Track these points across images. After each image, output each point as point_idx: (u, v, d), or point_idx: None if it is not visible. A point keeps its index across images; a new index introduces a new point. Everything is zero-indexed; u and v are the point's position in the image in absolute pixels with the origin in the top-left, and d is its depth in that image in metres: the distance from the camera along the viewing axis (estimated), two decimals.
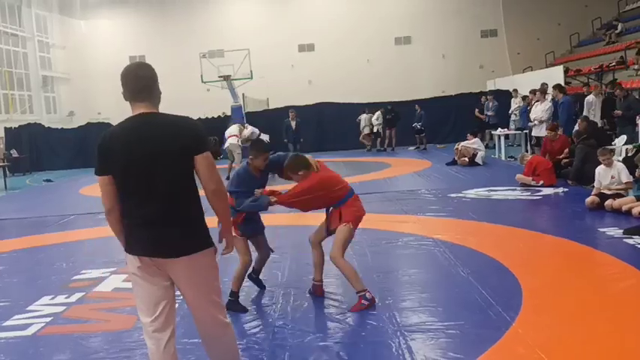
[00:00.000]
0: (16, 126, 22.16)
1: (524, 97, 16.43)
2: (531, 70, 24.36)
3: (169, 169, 2.92)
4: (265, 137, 14.17)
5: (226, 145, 14.48)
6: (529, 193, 9.84)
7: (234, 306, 4.83)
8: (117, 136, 2.96)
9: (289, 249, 6.81)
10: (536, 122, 13.12)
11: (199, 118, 18.84)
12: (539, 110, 13.12)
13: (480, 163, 14.29)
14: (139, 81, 2.98)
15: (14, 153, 21.00)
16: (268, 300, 5.16)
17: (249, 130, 14.75)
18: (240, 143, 14.29)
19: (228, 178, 14.32)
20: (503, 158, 15.38)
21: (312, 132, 20.26)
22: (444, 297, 5.08)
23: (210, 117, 21.72)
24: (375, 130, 20.04)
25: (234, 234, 4.27)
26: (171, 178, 2.93)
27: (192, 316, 3.15)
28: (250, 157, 4.94)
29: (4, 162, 19.17)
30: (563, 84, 15.29)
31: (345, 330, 4.41)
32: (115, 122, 3.22)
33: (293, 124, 17.25)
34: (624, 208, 7.66)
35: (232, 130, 14.71)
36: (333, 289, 5.23)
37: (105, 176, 2.96)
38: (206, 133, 3.11)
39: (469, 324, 4.34)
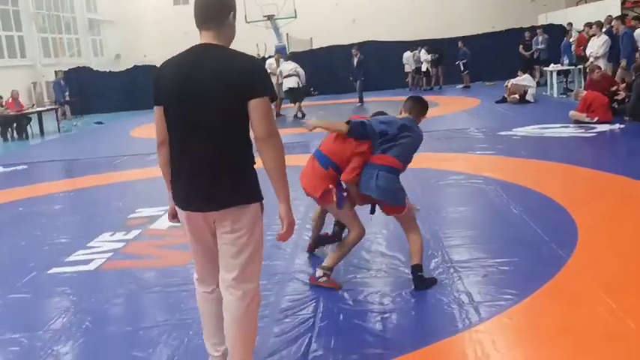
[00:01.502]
0: (66, 69, 22.51)
1: (579, 32, 15.79)
2: (585, 3, 23.33)
3: (216, 110, 2.61)
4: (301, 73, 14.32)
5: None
6: (583, 130, 9.57)
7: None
8: (169, 65, 2.74)
9: None
10: (592, 58, 12.64)
11: None
12: (595, 45, 12.63)
13: (531, 100, 13.94)
14: (206, 8, 2.70)
15: (65, 96, 21.41)
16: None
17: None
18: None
19: (278, 115, 14.54)
20: (555, 95, 14.96)
21: None
22: (496, 234, 5.04)
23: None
24: (423, 68, 19.69)
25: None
26: (216, 121, 2.61)
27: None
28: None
29: (55, 105, 19.59)
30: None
31: (400, 267, 4.44)
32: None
33: (355, 60, 17.09)
34: None
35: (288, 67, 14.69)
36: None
37: (157, 107, 2.75)
38: (266, 75, 2.73)
39: (523, 261, 4.32)
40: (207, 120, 2.61)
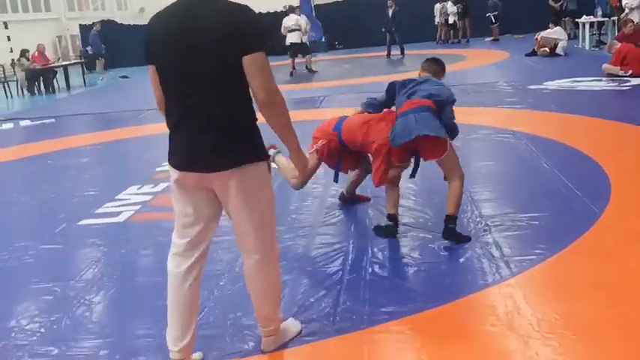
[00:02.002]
0: (90, 23, 22.45)
1: None
2: None
3: (213, 64, 2.40)
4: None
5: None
6: (616, 84, 9.32)
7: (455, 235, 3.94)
8: (161, 19, 2.53)
9: None
10: (627, 9, 12.23)
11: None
12: None
13: (562, 53, 13.60)
14: None
15: (90, 50, 21.42)
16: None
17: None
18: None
19: (291, 75, 14.33)
20: (587, 48, 14.56)
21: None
22: (526, 188, 4.96)
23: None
24: (450, 21, 19.28)
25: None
26: (214, 76, 2.42)
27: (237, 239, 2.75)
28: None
29: (80, 59, 19.61)
30: None
31: (429, 223, 4.40)
32: None
33: (390, 12, 16.78)
34: None
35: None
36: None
37: (150, 65, 2.57)
38: (261, 28, 2.48)
39: (554, 215, 4.25)
40: (205, 74, 2.42)
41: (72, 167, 7.14)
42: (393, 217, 4.16)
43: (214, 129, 2.46)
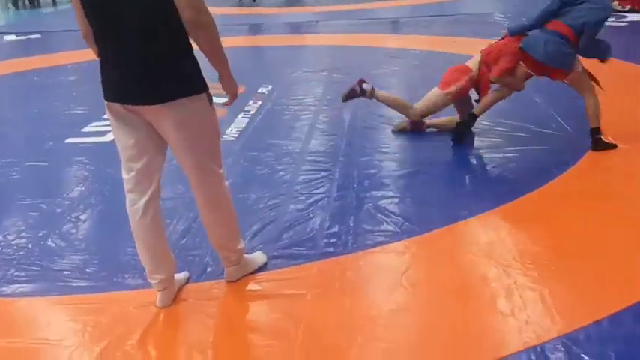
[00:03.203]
0: None
1: None
2: None
3: None
4: None
5: None
6: (613, 19, 9.17)
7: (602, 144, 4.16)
8: None
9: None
10: None
11: None
12: None
13: None
14: None
15: None
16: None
17: None
18: None
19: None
20: None
21: None
22: (520, 121, 4.93)
23: None
24: None
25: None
26: (138, 8, 2.25)
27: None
28: None
29: None
30: None
31: (414, 151, 4.42)
32: None
33: None
34: None
35: None
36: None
37: None
38: None
39: (547, 148, 4.32)
40: (132, 3, 2.24)
41: (59, 85, 7.03)
42: (474, 116, 4.41)
43: (144, 61, 2.32)
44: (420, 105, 4.58)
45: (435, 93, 4.52)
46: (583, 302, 2.56)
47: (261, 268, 2.95)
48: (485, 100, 4.43)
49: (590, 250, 2.96)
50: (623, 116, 4.82)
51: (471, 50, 7.37)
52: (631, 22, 8.97)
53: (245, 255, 2.89)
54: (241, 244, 2.85)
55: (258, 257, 3.00)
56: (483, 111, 4.44)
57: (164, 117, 2.40)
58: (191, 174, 2.58)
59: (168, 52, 2.33)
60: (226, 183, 2.72)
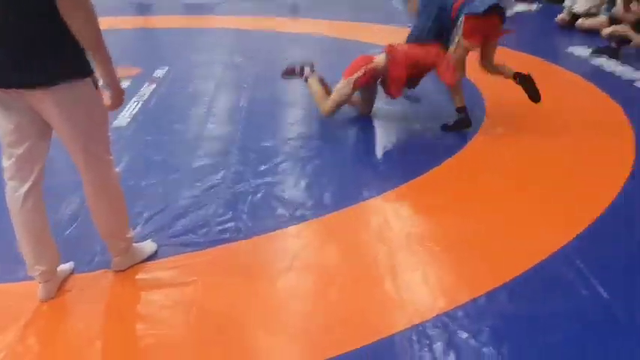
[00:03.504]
0: None
1: None
2: None
3: None
4: None
5: None
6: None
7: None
8: None
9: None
10: None
11: None
12: None
13: None
14: None
15: None
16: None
17: None
18: None
19: None
20: None
21: None
22: (408, 109, 5.08)
23: None
24: None
25: None
26: None
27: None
28: None
29: None
30: None
31: (309, 139, 4.48)
32: None
33: None
34: (595, 28, 7.61)
35: None
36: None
37: None
38: None
39: (437, 134, 4.49)
40: None
41: None
42: (463, 109, 4.44)
43: (19, 43, 2.21)
44: (330, 99, 4.59)
45: (341, 82, 4.56)
46: (462, 281, 2.71)
47: (152, 257, 2.91)
48: (454, 89, 4.50)
49: (470, 232, 3.12)
50: (511, 97, 5.07)
51: (374, 37, 7.56)
52: (517, 13, 9.40)
53: (134, 244, 2.84)
54: (130, 233, 2.80)
55: (148, 246, 2.95)
56: (461, 100, 4.49)
57: (47, 102, 2.30)
58: (78, 160, 2.50)
59: (46, 35, 2.21)
60: (116, 169, 2.65)
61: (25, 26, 2.19)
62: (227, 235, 3.10)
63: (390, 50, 4.54)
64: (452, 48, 4.49)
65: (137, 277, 2.77)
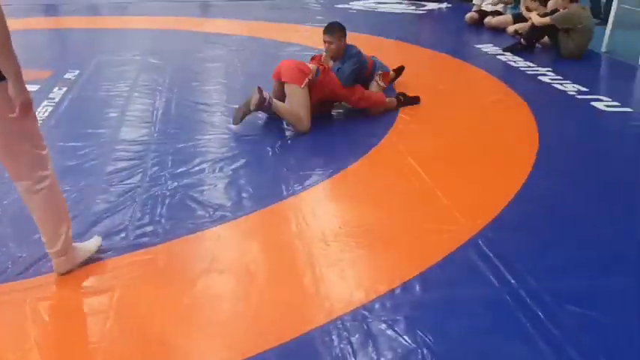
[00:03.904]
0: None
1: None
2: None
3: None
4: None
5: None
6: (414, 8, 9.91)
7: None
8: None
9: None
10: None
11: None
12: None
13: None
14: None
15: None
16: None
17: None
18: None
19: None
20: None
21: None
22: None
23: None
24: None
25: None
26: None
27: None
28: None
29: None
30: None
31: (229, 136, 4.47)
32: None
33: None
34: (502, 26, 7.96)
35: None
36: None
37: None
38: None
39: (353, 131, 4.56)
40: None
41: None
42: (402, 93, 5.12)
43: None
44: (302, 116, 4.49)
45: (297, 93, 4.47)
46: (379, 274, 2.79)
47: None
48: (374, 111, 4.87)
49: (385, 226, 3.22)
50: (425, 89, 5.24)
51: (288, 36, 7.61)
52: (429, 10, 9.72)
53: (75, 244, 2.78)
54: (70, 233, 2.75)
55: (89, 244, 2.90)
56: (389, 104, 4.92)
57: None
58: (9, 168, 2.48)
59: None
60: (50, 172, 2.60)
61: None
62: (145, 240, 3.06)
63: (322, 67, 4.62)
64: (372, 89, 5.15)
65: (53, 283, 2.70)
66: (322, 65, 4.64)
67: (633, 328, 2.44)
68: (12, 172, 2.51)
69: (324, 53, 4.84)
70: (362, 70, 5.03)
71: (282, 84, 4.63)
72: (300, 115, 4.47)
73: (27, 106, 2.35)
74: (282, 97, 4.67)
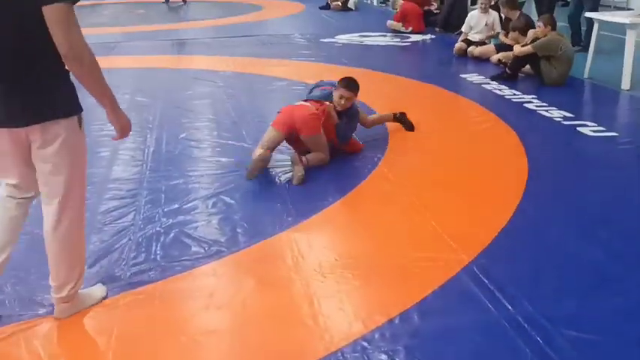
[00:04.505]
0: None
1: None
2: None
3: (5, 16, 2.26)
4: None
5: None
6: (399, 40, 10.06)
7: None
8: None
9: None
10: None
11: None
12: None
13: (353, 8, 14.27)
14: None
15: None
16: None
17: None
18: None
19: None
20: (375, 4, 15.45)
21: None
22: None
23: None
24: None
25: None
26: (6, 28, 2.27)
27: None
28: None
29: None
30: None
31: (222, 172, 4.49)
32: None
33: None
34: (485, 56, 8.11)
35: None
36: None
37: None
38: None
39: (344, 164, 4.61)
40: (3, 26, 2.27)
41: None
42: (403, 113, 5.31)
43: (9, 82, 2.33)
44: (323, 156, 4.56)
45: (318, 142, 4.53)
46: (377, 305, 2.79)
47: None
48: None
49: (381, 256, 3.23)
50: (414, 119, 5.30)
51: (275, 71, 7.70)
52: (413, 42, 9.87)
53: (80, 291, 2.76)
54: (81, 280, 2.74)
55: (95, 291, 2.88)
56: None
57: (27, 139, 2.41)
58: (48, 202, 2.56)
59: (37, 75, 2.34)
60: (84, 216, 2.67)
61: (16, 66, 2.32)
62: (142, 278, 3.06)
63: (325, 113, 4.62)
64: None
65: (48, 327, 2.68)
66: (325, 112, 4.61)
67: (629, 348, 2.46)
68: (48, 207, 2.57)
69: (328, 103, 4.70)
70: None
71: (290, 132, 4.55)
72: (325, 157, 4.56)
73: (126, 129, 2.63)
74: (281, 142, 4.64)
